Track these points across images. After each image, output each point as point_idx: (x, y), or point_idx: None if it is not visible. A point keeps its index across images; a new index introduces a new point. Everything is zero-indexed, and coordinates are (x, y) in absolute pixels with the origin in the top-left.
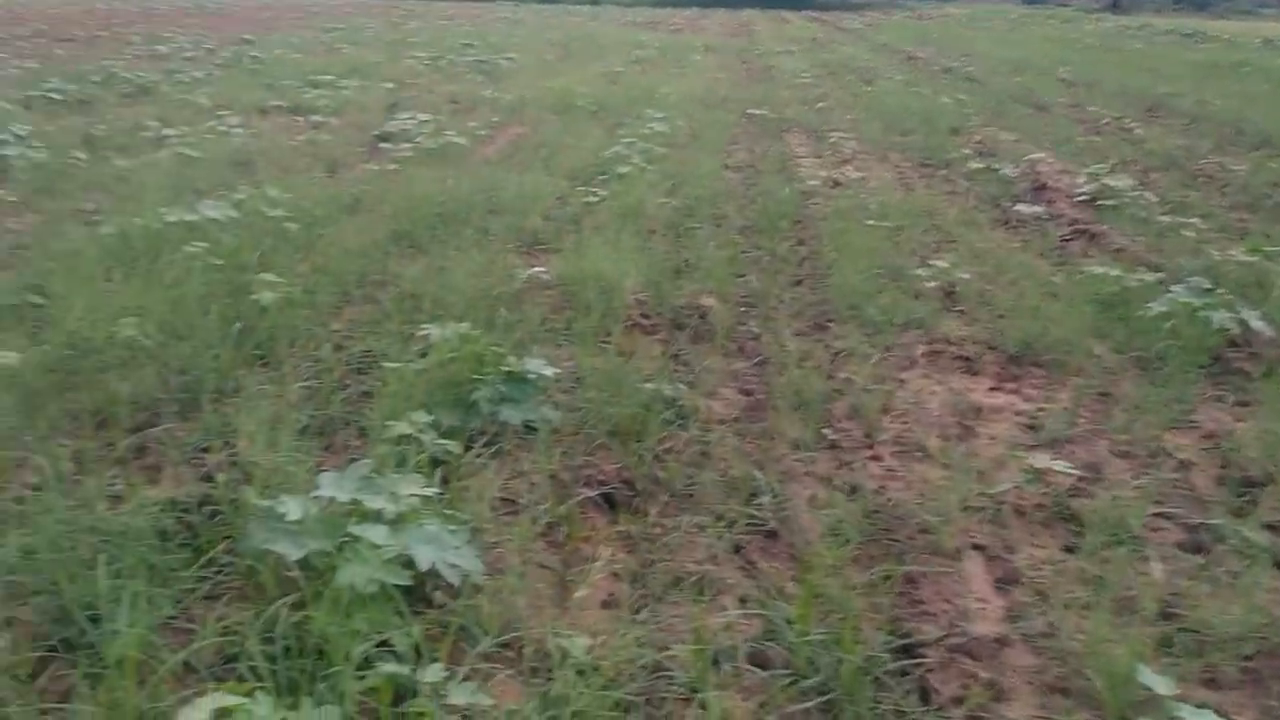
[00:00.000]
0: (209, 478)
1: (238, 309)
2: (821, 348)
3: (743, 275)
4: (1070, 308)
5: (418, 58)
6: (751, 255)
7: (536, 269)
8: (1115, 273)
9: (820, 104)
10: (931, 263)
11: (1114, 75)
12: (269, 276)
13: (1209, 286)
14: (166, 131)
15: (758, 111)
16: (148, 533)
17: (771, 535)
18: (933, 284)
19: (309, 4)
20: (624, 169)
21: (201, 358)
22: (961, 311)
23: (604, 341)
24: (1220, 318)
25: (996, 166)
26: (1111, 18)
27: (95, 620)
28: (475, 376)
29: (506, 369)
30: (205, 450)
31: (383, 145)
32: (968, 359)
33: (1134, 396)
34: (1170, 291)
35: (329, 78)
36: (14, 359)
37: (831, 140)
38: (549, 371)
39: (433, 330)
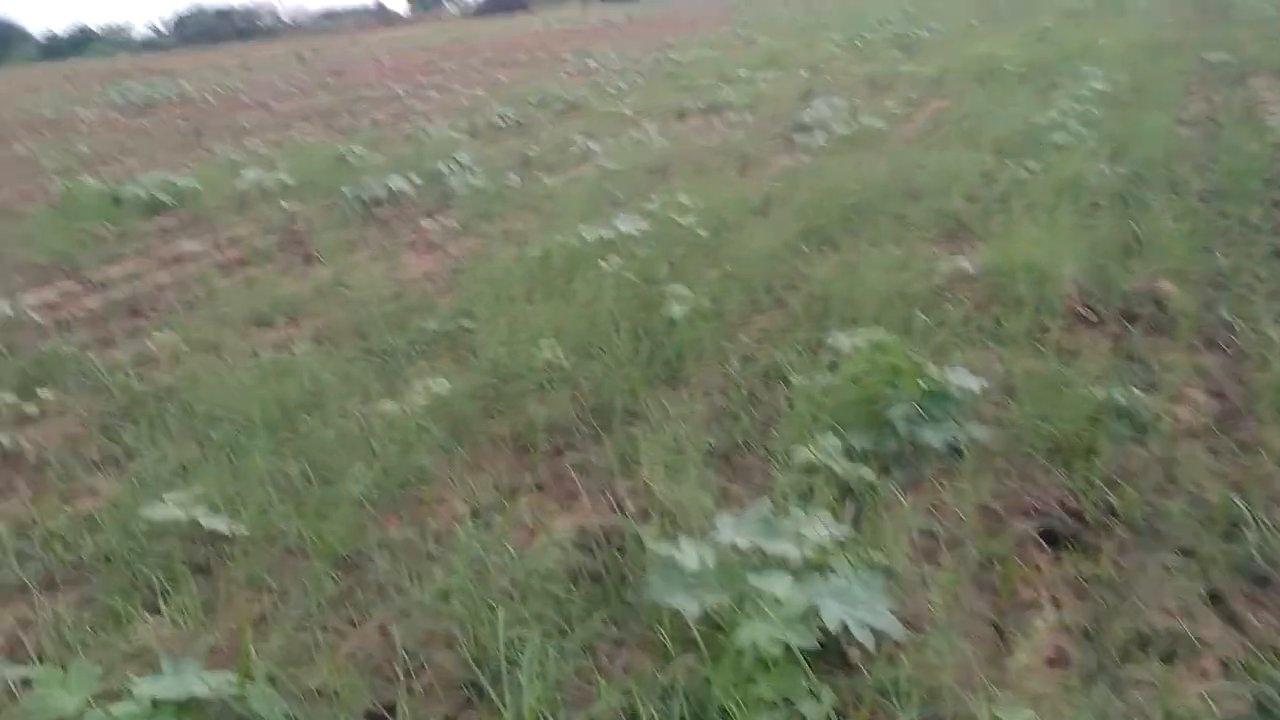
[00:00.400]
0: (617, 507)
1: (648, 324)
2: None
3: (1207, 250)
4: None
5: (833, 40)
6: (1217, 225)
7: (959, 259)
8: None
9: None
10: None
11: None
12: (678, 289)
13: None
14: (591, 145)
15: (1215, 56)
16: (556, 574)
17: (1262, 581)
18: None
19: (730, 2)
20: (1059, 136)
21: (612, 377)
22: None
23: (1039, 341)
24: None
25: None
26: None
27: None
28: (890, 391)
29: (925, 382)
30: (613, 476)
31: (796, 138)
32: None
33: None
34: None
35: (745, 72)
36: (445, 387)
37: None
38: (974, 384)
39: (842, 339)
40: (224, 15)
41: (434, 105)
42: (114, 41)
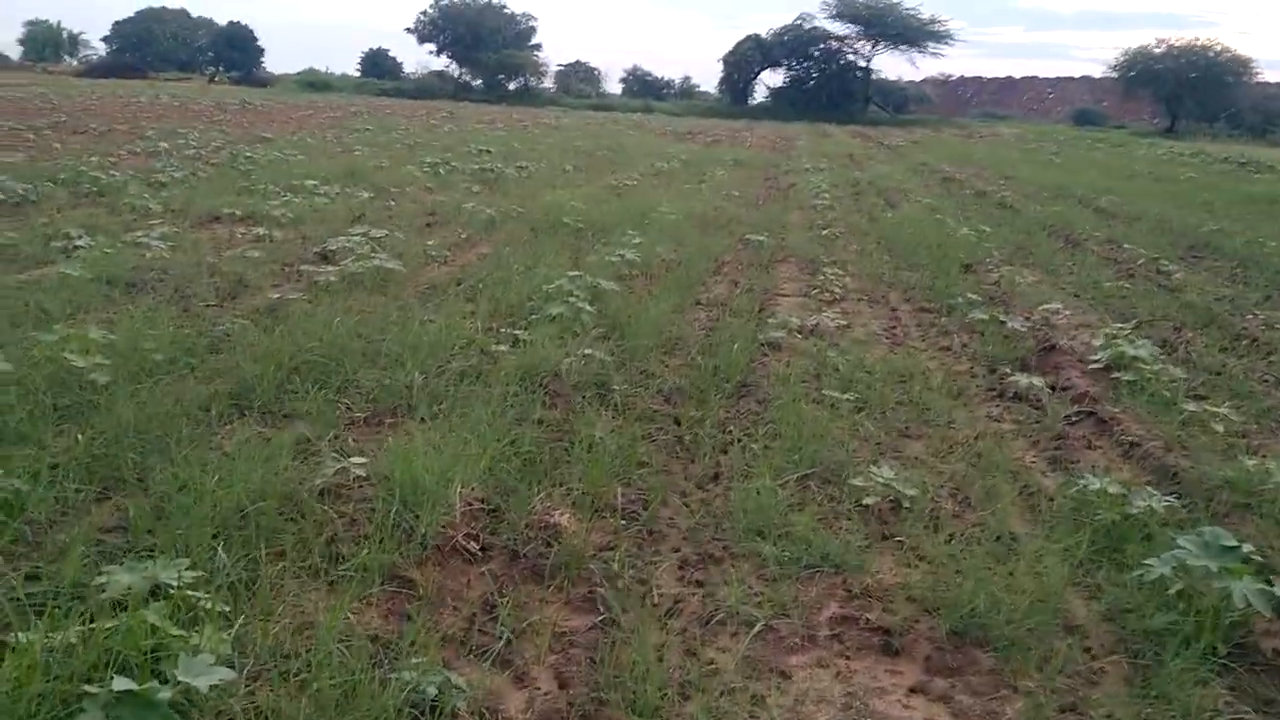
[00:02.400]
0: None
1: None
2: (698, 599)
3: (642, 467)
4: (1048, 546)
5: (424, 163)
6: (660, 439)
7: (355, 459)
8: (1116, 489)
9: (829, 229)
10: (883, 461)
11: (1159, 207)
12: None
13: (1230, 544)
14: (79, 242)
15: (756, 237)
16: None
17: None
18: (873, 498)
19: (355, 105)
20: (557, 309)
21: None
22: (900, 543)
23: (393, 580)
24: (1244, 590)
25: (1004, 318)
26: (1164, 142)
27: None
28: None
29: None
30: None
31: (309, 268)
32: (888, 633)
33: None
34: (1179, 545)
35: (312, 183)
36: None
37: (826, 274)
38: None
39: (119, 575)
40: None
41: None
42: None
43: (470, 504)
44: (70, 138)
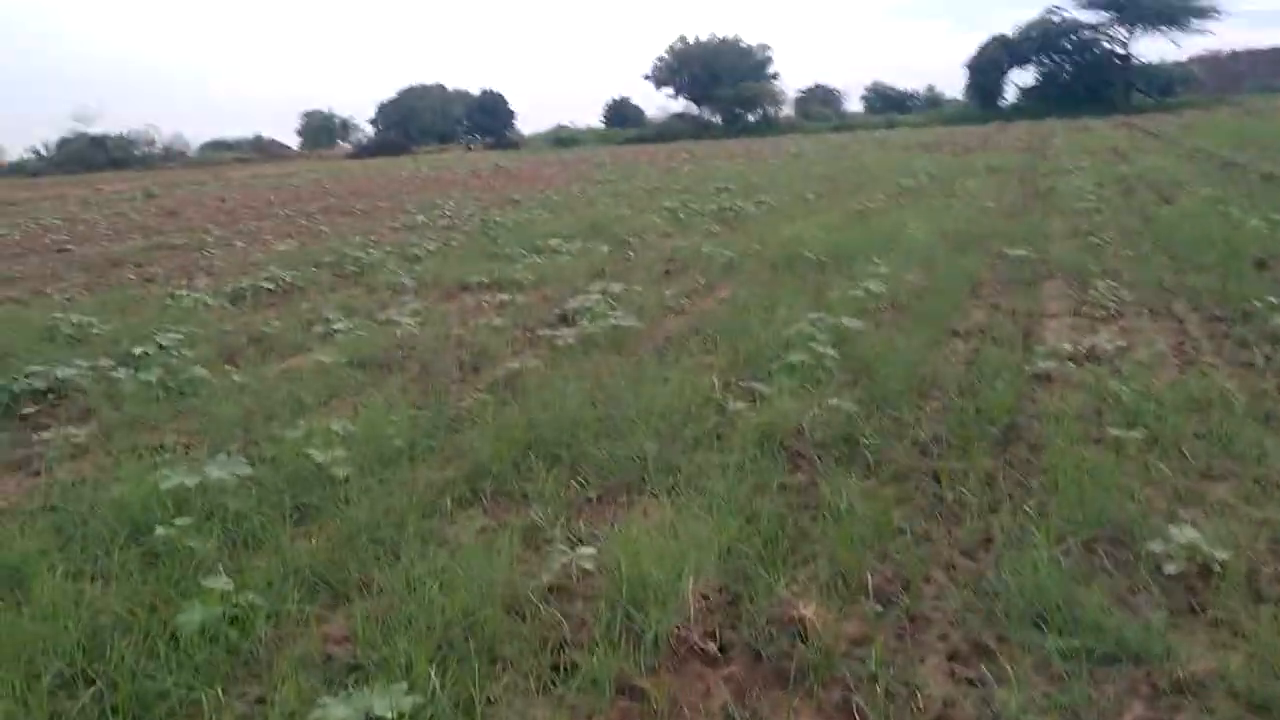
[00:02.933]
0: None
1: (153, 646)
2: (972, 703)
3: (898, 536)
4: None
5: (664, 207)
6: (918, 500)
7: (584, 549)
8: None
9: (1096, 235)
10: (1184, 512)
11: None
12: (217, 580)
13: None
14: (337, 326)
15: (1016, 251)
16: None
17: None
18: (1175, 564)
19: (600, 156)
20: (797, 356)
21: None
22: (1214, 620)
23: (632, 689)
24: None
25: None
26: None
27: None
28: None
29: None
30: None
31: (548, 332)
32: None
33: None
34: None
35: (556, 242)
36: None
37: (1098, 287)
38: None
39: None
40: (98, 143)
41: (224, 260)
42: None
43: (705, 596)
44: (339, 219)
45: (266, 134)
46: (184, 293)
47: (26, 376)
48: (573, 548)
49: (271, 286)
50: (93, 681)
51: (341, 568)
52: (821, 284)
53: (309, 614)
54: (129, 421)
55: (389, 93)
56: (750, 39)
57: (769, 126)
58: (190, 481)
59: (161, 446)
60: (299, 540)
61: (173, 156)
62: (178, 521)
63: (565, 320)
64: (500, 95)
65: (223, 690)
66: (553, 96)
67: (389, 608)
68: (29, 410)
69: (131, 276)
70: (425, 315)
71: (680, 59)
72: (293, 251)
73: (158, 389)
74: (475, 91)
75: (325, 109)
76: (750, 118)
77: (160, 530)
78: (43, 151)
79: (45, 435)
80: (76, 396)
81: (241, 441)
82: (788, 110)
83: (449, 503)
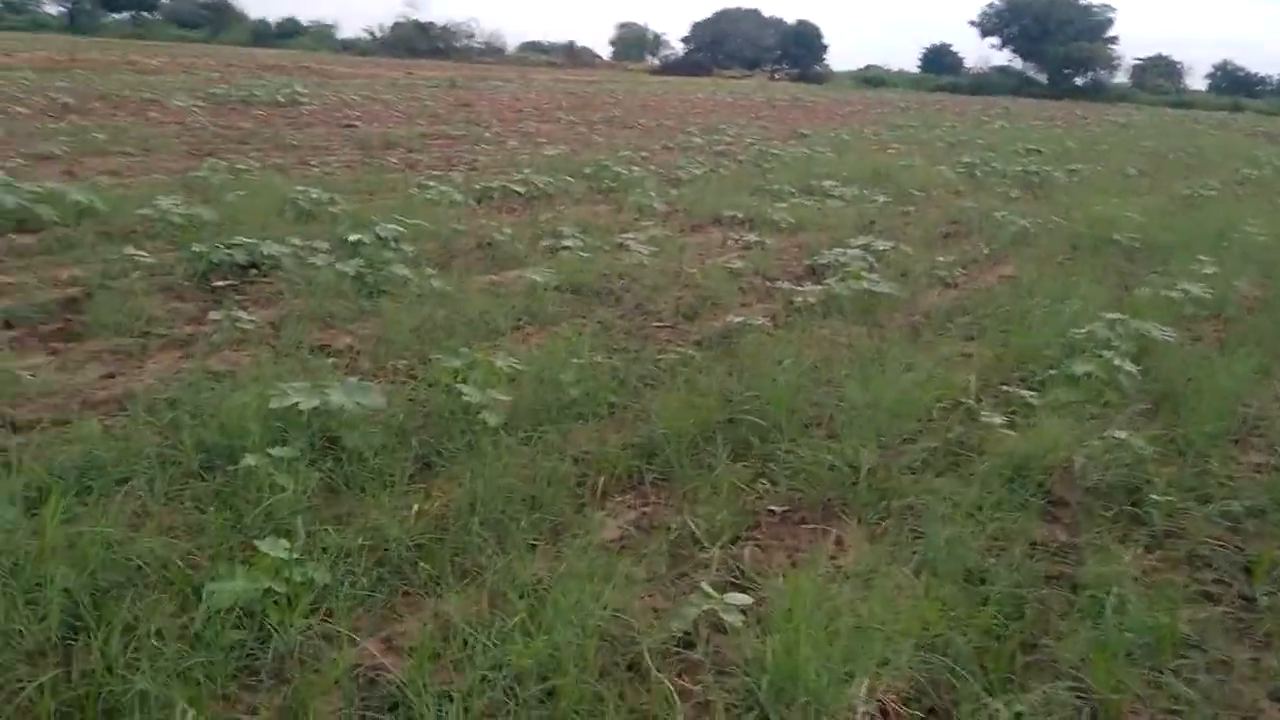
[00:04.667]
0: None
1: None
2: None
3: (1185, 649)
4: None
5: (961, 163)
6: (1219, 599)
7: (732, 600)
8: None
9: None
10: None
11: None
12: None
13: None
14: (566, 243)
15: None
16: None
17: None
18: None
19: (906, 101)
20: (1084, 366)
21: None
22: None
23: None
24: None
25: None
26: None
27: None
28: None
29: None
30: None
31: (791, 285)
32: None
33: None
34: None
35: (831, 183)
36: None
37: None
38: None
39: None
40: (423, 29)
41: (490, 157)
42: (316, 37)
43: (889, 708)
44: (618, 132)
45: (581, 41)
46: (433, 184)
47: (228, 248)
48: (722, 590)
49: (521, 190)
50: (63, 657)
51: (441, 548)
52: (1128, 276)
53: (376, 606)
54: (307, 314)
55: (705, 12)
56: None
57: (1097, 92)
58: (307, 404)
59: (326, 349)
60: (409, 498)
61: (489, 52)
62: (273, 451)
63: (813, 274)
64: (815, 26)
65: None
66: (869, 35)
67: (461, 627)
68: (220, 283)
69: (394, 160)
70: (662, 245)
71: (1012, 8)
72: (558, 157)
73: (353, 282)
74: (790, 20)
75: (641, 22)
76: (1078, 80)
77: (248, 459)
78: (376, 33)
79: (215, 315)
80: (276, 276)
81: (411, 358)
82: (1121, 78)
83: (602, 482)
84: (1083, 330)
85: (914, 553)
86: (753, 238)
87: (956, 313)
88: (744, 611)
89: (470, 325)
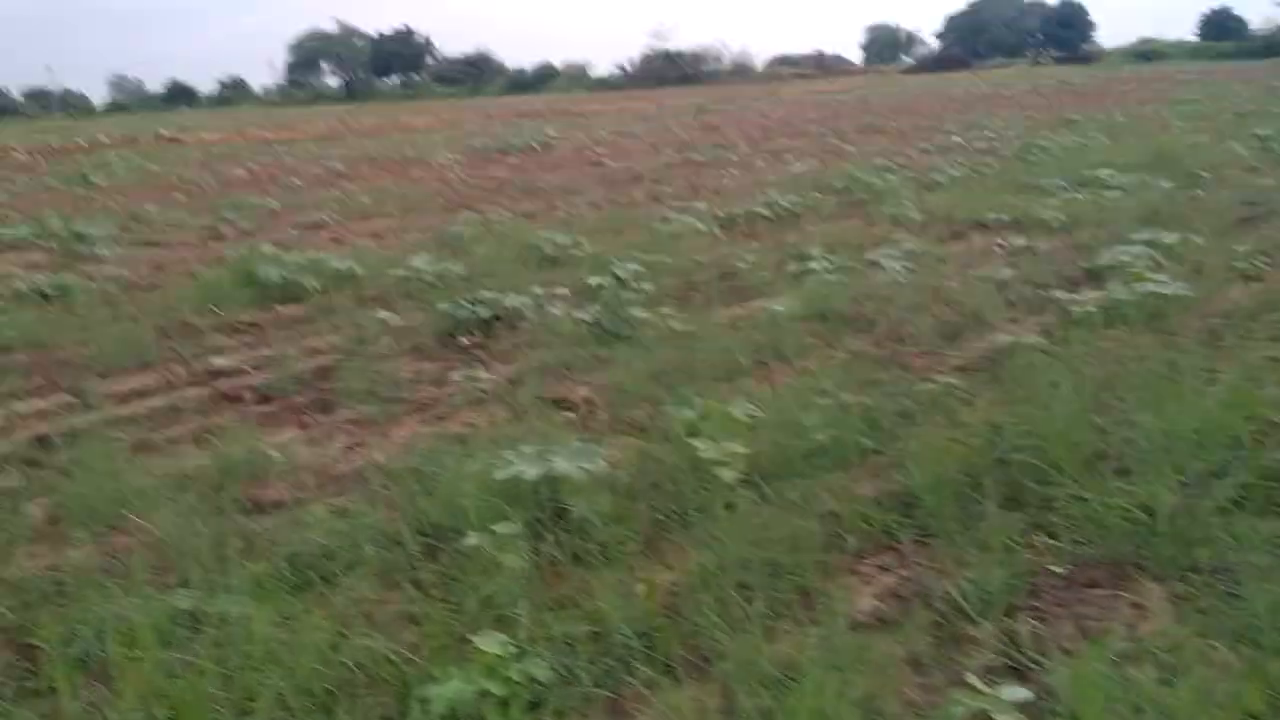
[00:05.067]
0: None
1: None
2: None
3: None
4: None
5: (1257, 135)
6: None
7: (1008, 694)
8: None
9: None
10: None
11: None
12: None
13: None
14: (814, 264)
15: None
16: None
17: None
18: None
19: (1186, 73)
20: None
21: None
22: None
23: None
24: None
25: None
26: None
27: None
28: None
29: None
30: None
31: (1066, 293)
32: None
33: None
34: None
35: (1107, 172)
36: None
37: None
38: None
39: None
40: (672, 59)
41: (736, 180)
42: (570, 78)
43: None
44: (870, 139)
45: (830, 49)
46: (675, 215)
47: (473, 304)
48: (996, 677)
49: (767, 213)
50: None
51: (671, 630)
52: None
53: (598, 704)
54: (545, 366)
55: (959, 4)
56: None
57: None
58: (531, 474)
59: (563, 403)
60: (638, 572)
61: (738, 71)
62: (497, 528)
63: (1092, 277)
64: (1079, 5)
65: None
66: (1140, 6)
67: None
68: (464, 340)
69: (638, 195)
70: (918, 259)
71: None
72: (807, 173)
73: (590, 329)
74: (1052, 1)
75: (890, 23)
76: None
77: (470, 538)
78: (627, 68)
79: (456, 376)
80: (519, 328)
81: (648, 406)
82: None
83: (853, 542)
84: None
85: (1230, 619)
86: (1021, 241)
87: (1263, 310)
88: (1021, 709)
89: (709, 366)
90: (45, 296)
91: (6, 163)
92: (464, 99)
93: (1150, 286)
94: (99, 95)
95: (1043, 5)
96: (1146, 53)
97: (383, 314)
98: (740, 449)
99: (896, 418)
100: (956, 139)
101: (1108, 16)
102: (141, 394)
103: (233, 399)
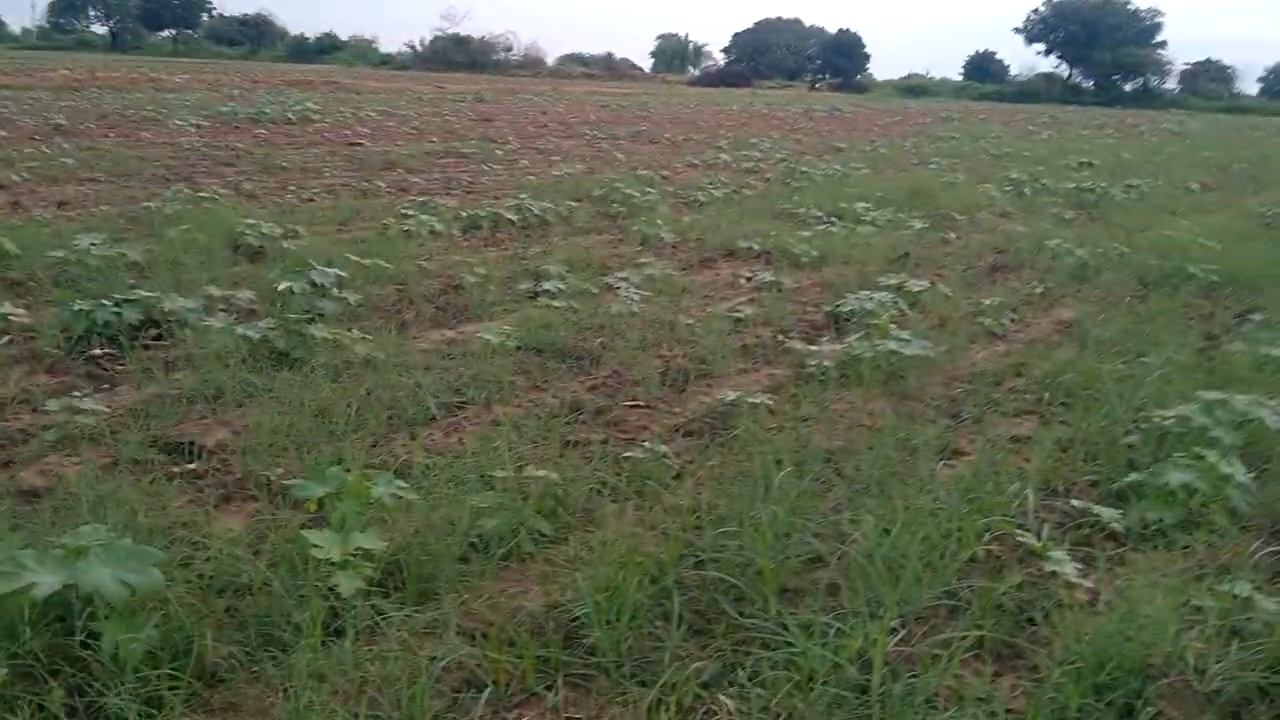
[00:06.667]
0: None
1: None
2: None
3: None
4: None
5: (1008, 179)
6: None
7: None
8: None
9: None
10: None
11: None
12: None
13: None
14: (549, 284)
15: None
16: None
17: None
18: None
19: (949, 110)
20: (1178, 474)
21: None
22: None
23: None
24: None
25: None
26: None
27: None
28: None
29: None
30: None
31: (803, 344)
32: None
33: None
34: None
35: (864, 207)
36: None
37: None
38: None
39: None
40: (461, 43)
41: (494, 179)
42: (355, 52)
43: None
44: (641, 148)
45: (620, 53)
46: (414, 212)
47: (123, 304)
48: None
49: (515, 219)
50: None
51: None
52: (1211, 322)
53: None
54: (192, 395)
55: (746, 22)
56: (1140, 1)
57: (1147, 98)
58: (45, 589)
59: (189, 450)
60: None
61: (527, 64)
62: None
63: (834, 323)
64: (856, 35)
65: None
66: (912, 42)
67: None
68: (98, 351)
69: (386, 183)
70: (660, 288)
71: (1058, 14)
72: (570, 177)
73: (258, 347)
74: (832, 29)
75: (681, 34)
76: (1127, 87)
77: None
78: (417, 47)
79: (53, 405)
80: (179, 338)
81: (291, 462)
82: (1170, 84)
83: (494, 690)
84: (1170, 415)
85: None
86: (768, 276)
87: (1006, 374)
88: None
89: (389, 408)
90: None
91: None
92: (239, 61)
93: (892, 344)
94: None
95: (822, 32)
96: (914, 88)
97: (7, 307)
98: (373, 544)
99: (591, 496)
100: (725, 156)
101: (882, 50)
102: None
103: None
